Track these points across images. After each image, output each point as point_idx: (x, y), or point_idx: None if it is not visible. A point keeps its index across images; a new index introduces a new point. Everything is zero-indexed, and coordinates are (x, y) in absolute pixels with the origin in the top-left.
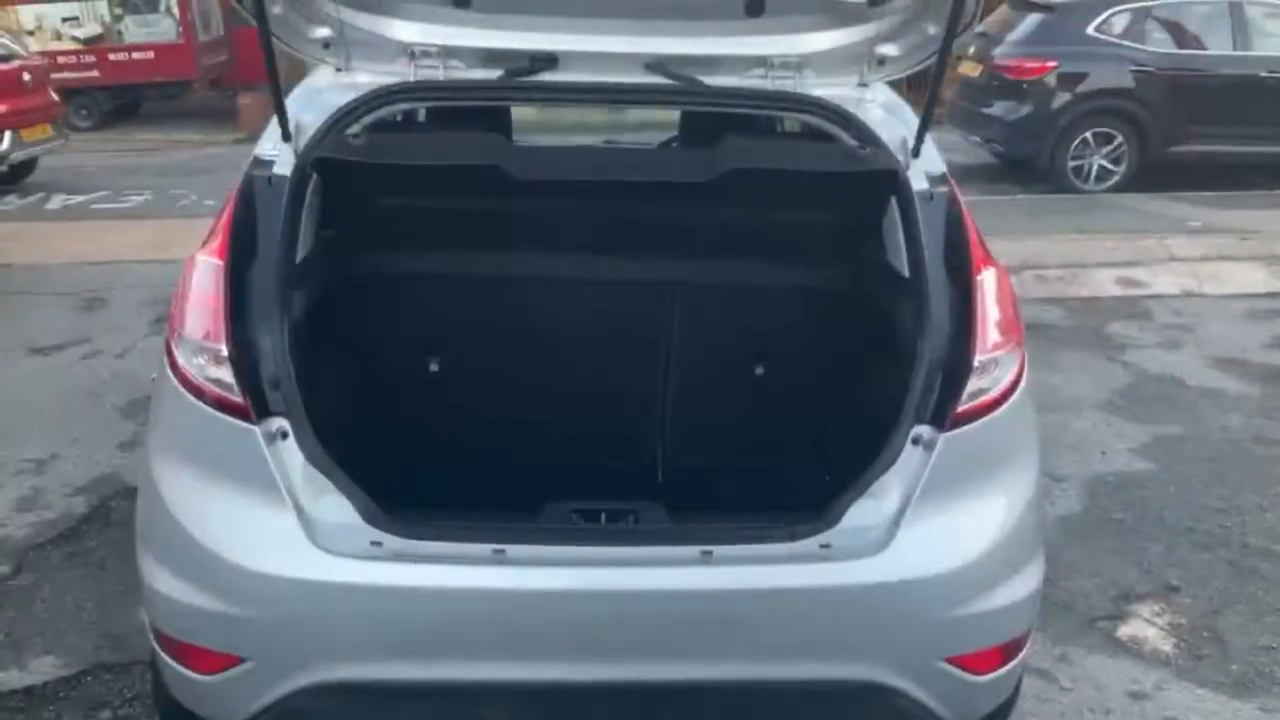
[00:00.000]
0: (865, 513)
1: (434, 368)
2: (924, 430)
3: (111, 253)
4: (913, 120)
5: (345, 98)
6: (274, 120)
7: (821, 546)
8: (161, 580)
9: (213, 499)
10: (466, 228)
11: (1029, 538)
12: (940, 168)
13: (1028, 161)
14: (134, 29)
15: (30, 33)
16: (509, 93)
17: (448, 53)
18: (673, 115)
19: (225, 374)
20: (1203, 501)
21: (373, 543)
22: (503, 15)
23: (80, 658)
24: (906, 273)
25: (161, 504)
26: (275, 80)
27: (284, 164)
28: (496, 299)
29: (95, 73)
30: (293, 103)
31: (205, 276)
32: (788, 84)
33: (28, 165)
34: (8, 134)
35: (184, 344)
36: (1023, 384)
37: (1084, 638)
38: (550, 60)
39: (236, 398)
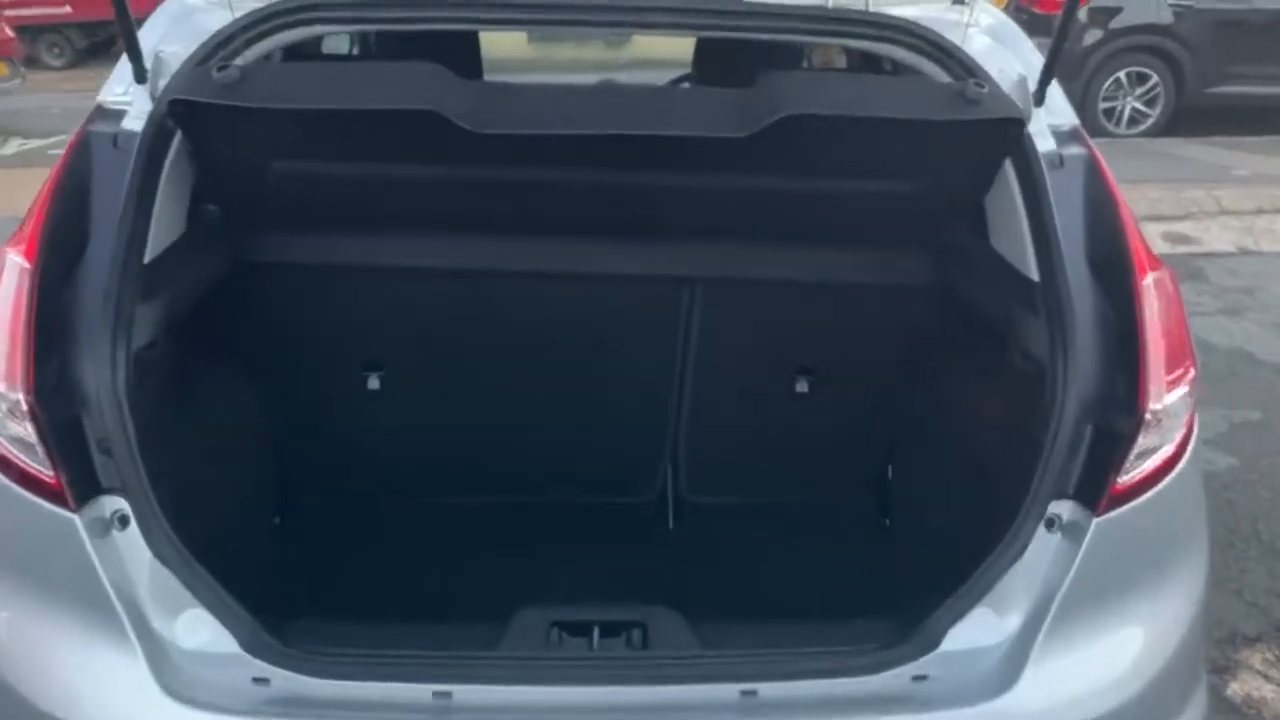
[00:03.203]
0: (978, 630)
1: (370, 386)
2: (1066, 509)
3: None
4: (1031, 54)
5: (226, 18)
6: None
7: (915, 679)
8: None
9: (17, 618)
10: (402, 201)
11: (1200, 652)
12: (1071, 119)
13: None
14: None
15: None
16: (462, 11)
17: None
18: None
19: (29, 434)
20: None
21: (256, 681)
22: None
23: None
24: (1034, 274)
25: None
26: None
27: (137, 115)
28: (448, 300)
29: (68, 9)
30: (152, 28)
31: (6, 287)
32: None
33: None
34: None
35: None
36: (1194, 436)
37: None
38: None
39: (45, 471)
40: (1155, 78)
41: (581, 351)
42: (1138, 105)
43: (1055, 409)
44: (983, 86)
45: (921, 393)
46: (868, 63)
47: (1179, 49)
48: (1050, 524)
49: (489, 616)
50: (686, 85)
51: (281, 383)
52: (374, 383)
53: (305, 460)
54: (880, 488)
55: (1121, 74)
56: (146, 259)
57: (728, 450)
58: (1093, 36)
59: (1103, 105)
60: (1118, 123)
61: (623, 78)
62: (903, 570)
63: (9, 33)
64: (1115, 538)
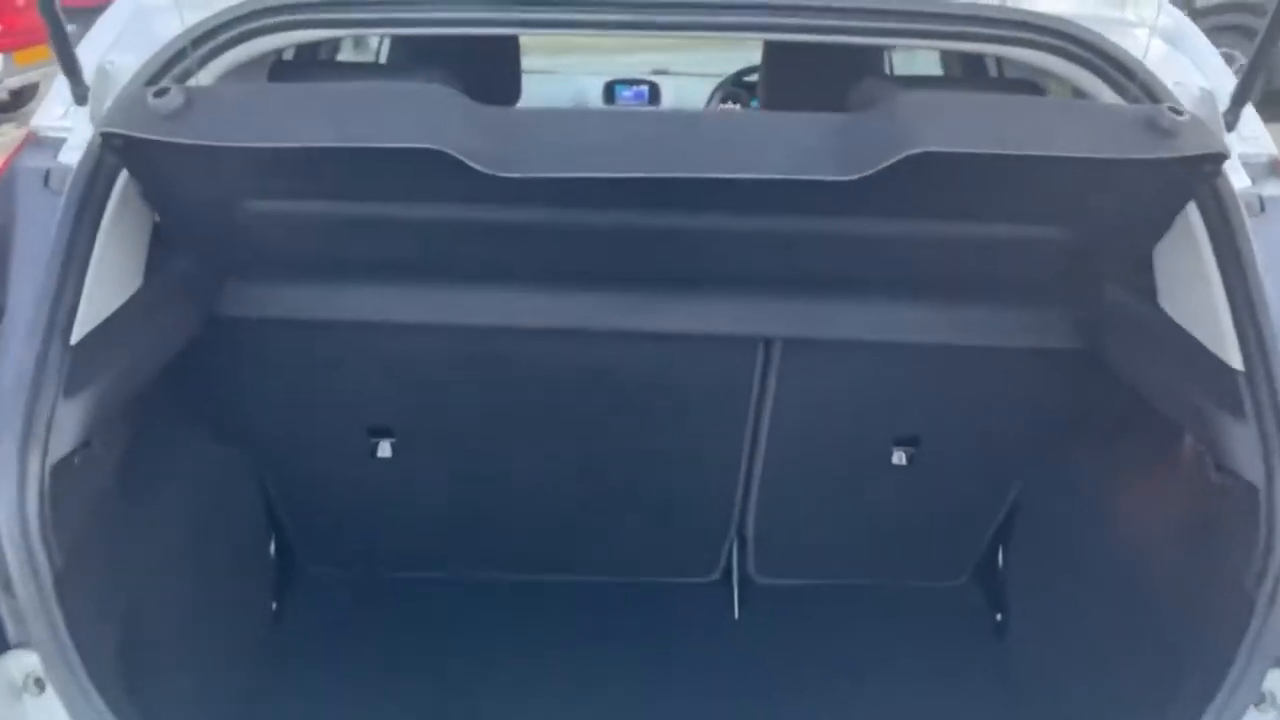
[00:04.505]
0: None
1: (380, 454)
2: None
3: None
4: (1213, 60)
5: (189, 20)
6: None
7: None
8: None
9: None
10: (410, 247)
11: None
12: (1269, 147)
13: None
14: None
15: None
16: (479, 11)
17: None
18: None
19: None
20: None
21: None
22: None
23: None
24: (1235, 359)
25: None
26: None
27: (76, 145)
28: (471, 360)
29: None
30: (102, 32)
31: None
32: None
33: (27, 92)
34: None
35: None
36: None
37: None
38: None
39: None
40: (1241, 59)
41: (631, 415)
42: None
43: (1274, 547)
44: (1180, 113)
45: (1052, 476)
46: (975, 68)
47: None
48: (1262, 701)
49: None
50: (754, 76)
51: (276, 455)
52: (384, 450)
53: (308, 539)
54: (988, 576)
55: None
56: (81, 334)
57: (806, 525)
58: None
59: None
60: None
61: (689, 62)
62: (1024, 692)
63: None
64: None
